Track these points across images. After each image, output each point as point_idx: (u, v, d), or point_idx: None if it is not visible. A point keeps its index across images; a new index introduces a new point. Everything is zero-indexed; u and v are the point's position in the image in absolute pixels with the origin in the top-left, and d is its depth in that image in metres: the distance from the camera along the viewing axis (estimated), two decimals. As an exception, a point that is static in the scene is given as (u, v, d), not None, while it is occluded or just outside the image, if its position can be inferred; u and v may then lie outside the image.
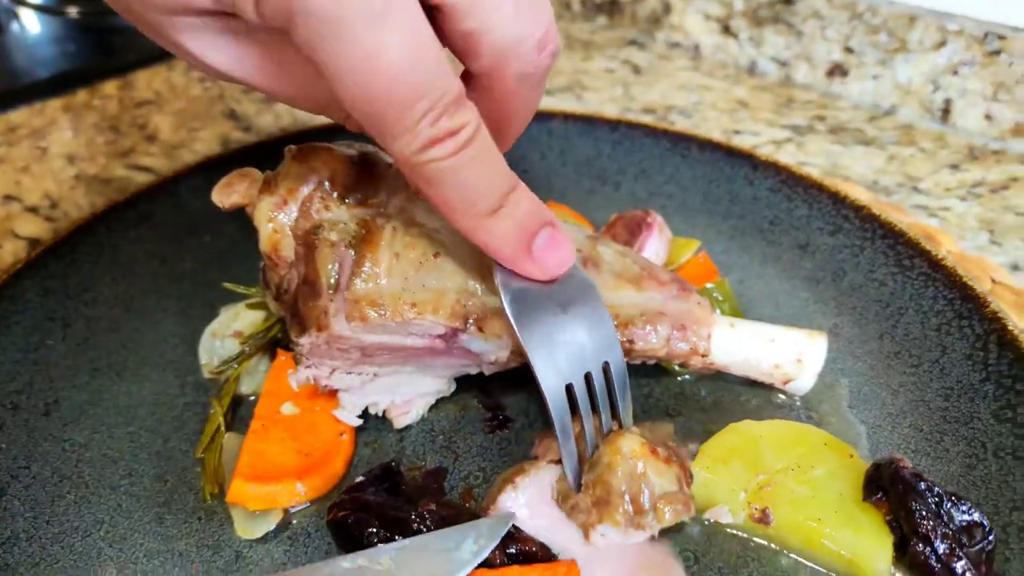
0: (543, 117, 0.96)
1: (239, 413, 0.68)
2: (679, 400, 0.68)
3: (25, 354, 0.70)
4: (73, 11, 1.40)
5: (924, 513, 0.51)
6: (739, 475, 0.58)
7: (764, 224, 0.85)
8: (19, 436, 0.64)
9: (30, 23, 1.40)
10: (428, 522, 0.55)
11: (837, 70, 1.19)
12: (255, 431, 0.63)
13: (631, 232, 0.78)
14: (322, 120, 1.06)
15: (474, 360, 0.62)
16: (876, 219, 0.78)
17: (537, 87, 0.50)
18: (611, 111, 1.19)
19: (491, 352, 0.59)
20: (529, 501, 0.58)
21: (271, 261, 0.61)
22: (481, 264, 0.58)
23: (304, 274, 0.58)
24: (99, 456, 0.64)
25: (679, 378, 0.70)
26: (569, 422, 0.56)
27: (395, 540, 0.54)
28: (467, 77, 0.49)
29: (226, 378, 0.70)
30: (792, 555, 0.56)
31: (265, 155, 0.76)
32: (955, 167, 1.02)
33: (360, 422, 0.65)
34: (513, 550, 0.54)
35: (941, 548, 0.50)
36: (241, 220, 0.64)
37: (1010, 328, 0.63)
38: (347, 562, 0.52)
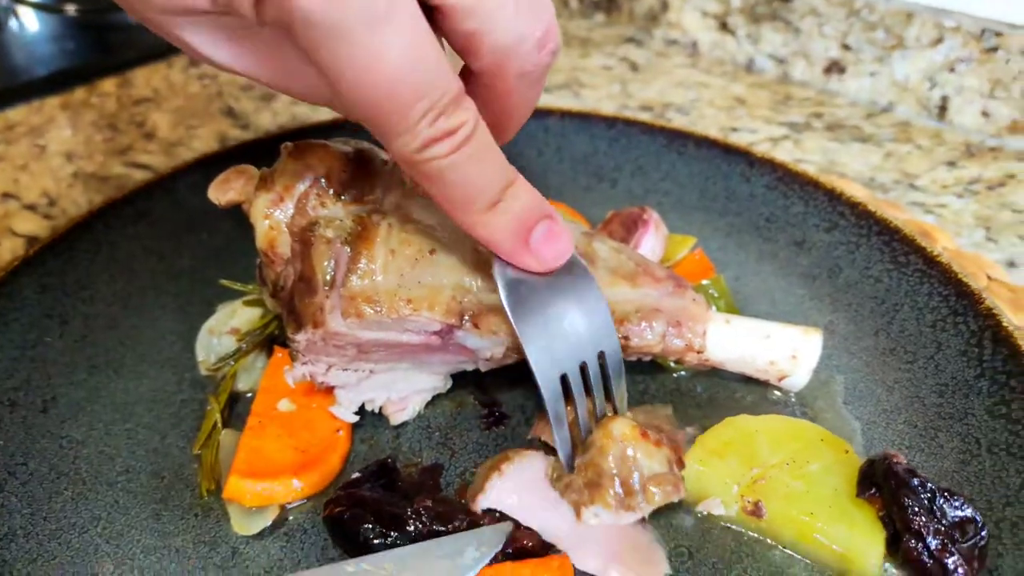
0: (540, 114, 0.96)
1: (236, 410, 0.69)
2: (675, 396, 0.68)
3: (23, 351, 0.70)
4: (71, 9, 1.40)
5: (917, 509, 0.51)
6: (733, 468, 0.58)
7: (760, 221, 0.85)
8: (16, 433, 0.64)
9: (29, 21, 1.40)
10: (424, 518, 0.55)
11: (834, 67, 1.19)
12: (252, 428, 0.63)
13: (627, 229, 0.78)
14: (320, 117, 1.07)
15: (470, 356, 0.62)
16: (872, 216, 0.78)
17: (537, 84, 0.50)
18: (608, 108, 1.19)
19: (487, 348, 0.60)
20: (515, 487, 0.58)
21: (267, 258, 0.61)
22: (477, 260, 0.59)
23: (300, 271, 0.58)
24: (96, 452, 0.64)
25: (675, 374, 0.70)
26: (563, 410, 0.57)
27: (391, 536, 0.54)
28: (467, 73, 0.49)
29: (223, 375, 0.70)
30: (785, 550, 0.56)
31: (263, 152, 0.76)
32: (952, 164, 1.02)
33: (356, 418, 0.65)
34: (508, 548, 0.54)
35: (933, 544, 0.50)
36: (238, 217, 0.64)
37: (1005, 325, 0.63)
38: (350, 567, 0.52)
